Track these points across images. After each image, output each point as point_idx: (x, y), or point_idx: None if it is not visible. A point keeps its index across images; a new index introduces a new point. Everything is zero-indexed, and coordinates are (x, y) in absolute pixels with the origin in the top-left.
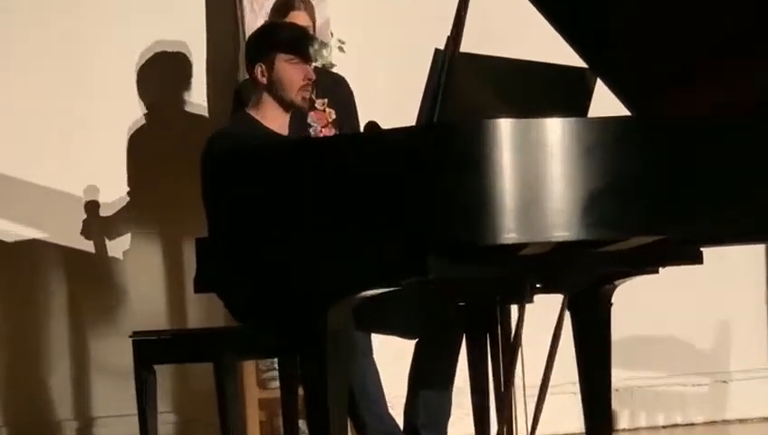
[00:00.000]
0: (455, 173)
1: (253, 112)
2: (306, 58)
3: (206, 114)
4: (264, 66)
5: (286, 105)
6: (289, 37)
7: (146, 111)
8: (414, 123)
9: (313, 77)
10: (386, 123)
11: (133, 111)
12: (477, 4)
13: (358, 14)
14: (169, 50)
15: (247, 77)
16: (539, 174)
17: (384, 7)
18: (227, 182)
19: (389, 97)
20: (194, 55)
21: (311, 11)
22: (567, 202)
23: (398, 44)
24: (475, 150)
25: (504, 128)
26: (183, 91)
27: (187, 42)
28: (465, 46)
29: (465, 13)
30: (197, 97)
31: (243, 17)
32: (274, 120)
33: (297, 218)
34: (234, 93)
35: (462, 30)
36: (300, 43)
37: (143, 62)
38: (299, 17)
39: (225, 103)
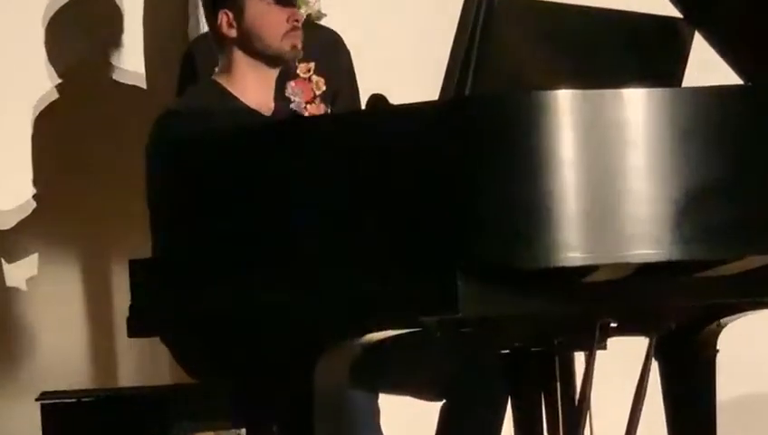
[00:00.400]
0: (495, 166)
1: (221, 80)
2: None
3: (144, 86)
4: (230, 13)
5: (269, 59)
6: None
7: (58, 82)
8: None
9: (301, 18)
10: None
11: (40, 82)
12: None
13: None
14: None
15: (204, 31)
16: (614, 168)
17: None
18: (184, 181)
19: (387, 70)
20: (126, 5)
21: None
22: (654, 207)
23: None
24: (524, 134)
25: (565, 102)
26: (111, 53)
27: None
28: None
29: None
30: (131, 63)
31: None
32: (254, 89)
33: (278, 231)
34: (183, 57)
35: None
36: None
37: (53, 12)
38: None
39: (171, 72)
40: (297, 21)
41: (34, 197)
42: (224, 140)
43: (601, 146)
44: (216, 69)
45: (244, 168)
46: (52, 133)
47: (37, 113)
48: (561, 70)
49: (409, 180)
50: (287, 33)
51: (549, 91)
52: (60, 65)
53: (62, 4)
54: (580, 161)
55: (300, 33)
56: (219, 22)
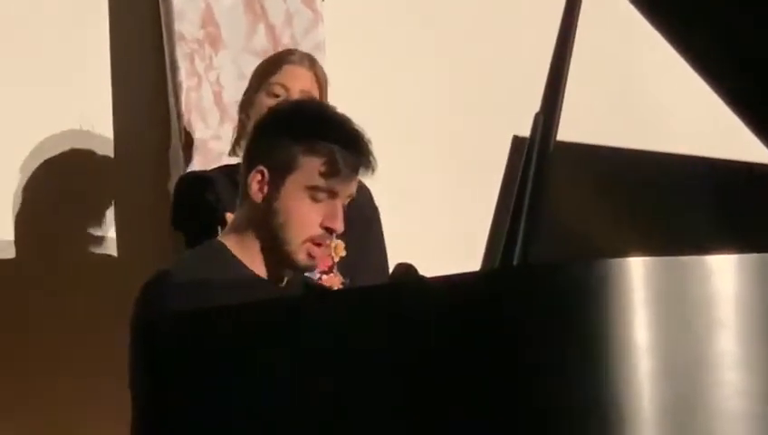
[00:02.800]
0: (552, 355)
1: (230, 243)
2: (340, 193)
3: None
4: (266, 175)
5: (279, 253)
6: (341, 143)
7: None
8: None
9: (341, 229)
10: None
11: None
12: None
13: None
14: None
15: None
16: (699, 355)
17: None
18: (184, 378)
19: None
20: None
21: (319, 73)
22: (749, 403)
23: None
24: (587, 314)
25: (637, 273)
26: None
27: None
28: None
29: (565, 73)
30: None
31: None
32: (263, 262)
33: None
34: (178, 184)
35: (561, 102)
36: (349, 161)
37: None
38: (298, 74)
39: None
40: (333, 229)
41: None
42: (232, 319)
43: (683, 327)
44: (229, 227)
45: (253, 358)
46: None
47: None
48: (629, 228)
49: (444, 374)
50: (313, 239)
51: (617, 260)
52: None
53: None
54: (658, 347)
55: (324, 252)
56: (251, 178)
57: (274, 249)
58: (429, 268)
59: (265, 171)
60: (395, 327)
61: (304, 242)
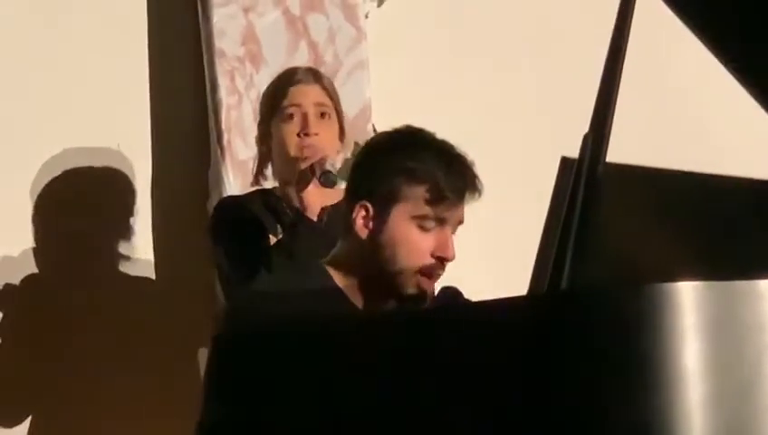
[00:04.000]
0: (599, 381)
1: (333, 270)
2: (449, 220)
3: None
4: (370, 211)
5: (384, 289)
6: (443, 169)
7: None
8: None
9: (453, 257)
10: None
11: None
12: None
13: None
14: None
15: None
16: (750, 380)
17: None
18: (270, 392)
19: None
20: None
21: (326, 83)
22: None
23: None
24: (636, 339)
25: (687, 298)
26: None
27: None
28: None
29: (615, 92)
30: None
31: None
32: (357, 294)
33: None
34: (217, 209)
35: (611, 122)
36: (454, 186)
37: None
38: (307, 91)
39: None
40: (445, 258)
41: None
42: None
43: (734, 352)
44: (334, 252)
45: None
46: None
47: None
48: (679, 252)
49: (496, 394)
50: (423, 270)
51: (667, 285)
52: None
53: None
54: (708, 372)
55: (440, 272)
56: (355, 214)
57: (382, 283)
58: (474, 292)
59: (369, 206)
60: (439, 353)
61: (415, 273)
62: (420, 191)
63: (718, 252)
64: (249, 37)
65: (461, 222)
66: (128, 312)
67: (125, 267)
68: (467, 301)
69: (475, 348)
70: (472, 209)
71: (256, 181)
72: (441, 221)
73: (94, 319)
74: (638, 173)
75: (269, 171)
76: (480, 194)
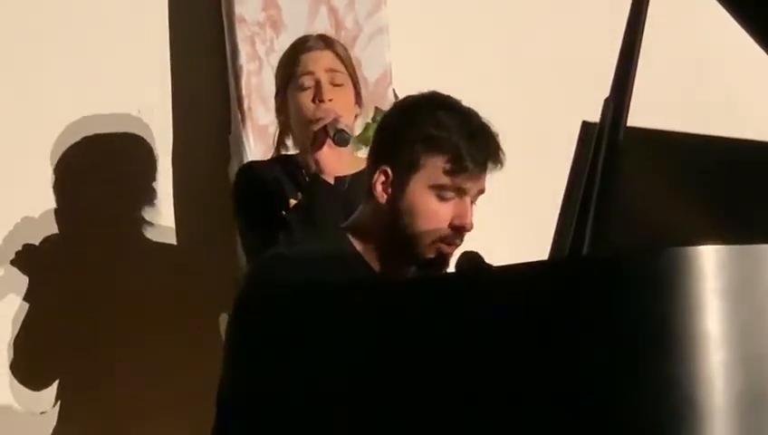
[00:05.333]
0: (622, 345)
1: (353, 234)
2: (468, 191)
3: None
4: (390, 175)
5: (404, 255)
6: (465, 138)
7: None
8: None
9: (471, 227)
10: None
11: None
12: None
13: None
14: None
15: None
16: None
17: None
18: (295, 351)
19: None
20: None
21: (338, 49)
22: None
23: None
24: (658, 304)
25: (709, 262)
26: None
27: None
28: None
29: (636, 57)
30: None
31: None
32: (375, 257)
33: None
34: (239, 175)
35: (632, 87)
36: (476, 157)
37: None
38: (318, 58)
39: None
40: (463, 227)
41: None
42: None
43: (755, 316)
44: (353, 218)
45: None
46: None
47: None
48: (701, 215)
49: (518, 357)
50: (443, 239)
51: (689, 248)
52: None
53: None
54: (730, 336)
55: (458, 240)
56: (375, 178)
57: (401, 248)
58: (496, 257)
59: (389, 171)
60: (460, 317)
61: (434, 241)
62: (440, 161)
63: (739, 216)
64: (270, 3)
65: (482, 192)
66: (149, 277)
67: (146, 233)
68: (489, 265)
69: (497, 312)
70: (492, 174)
71: (278, 153)
72: (461, 191)
73: (116, 285)
74: (659, 137)
75: (290, 142)
76: (502, 165)
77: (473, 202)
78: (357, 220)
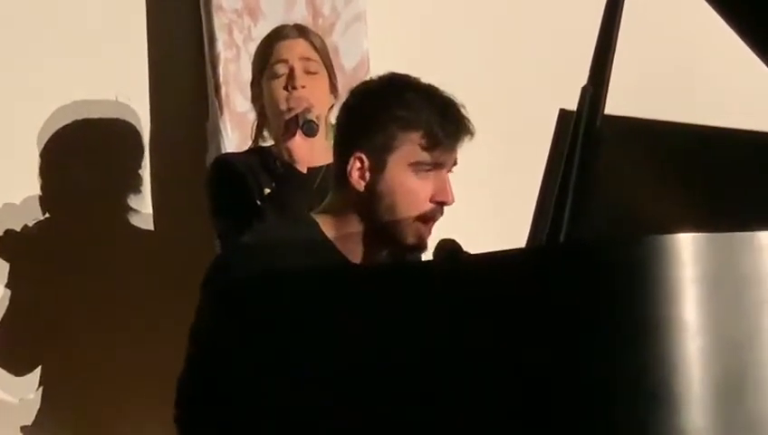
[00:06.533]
0: (599, 332)
1: (323, 222)
2: (445, 164)
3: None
4: (366, 162)
5: (383, 239)
6: (435, 113)
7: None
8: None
9: (452, 200)
10: None
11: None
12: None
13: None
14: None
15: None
16: (750, 336)
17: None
18: (256, 337)
19: None
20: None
21: (313, 38)
22: None
23: None
24: (635, 292)
25: (686, 249)
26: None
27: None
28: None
29: (614, 44)
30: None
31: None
32: (350, 243)
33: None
34: (214, 169)
35: (609, 74)
36: (448, 130)
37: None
38: (292, 46)
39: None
40: (443, 202)
41: None
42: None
43: (732, 304)
44: (324, 204)
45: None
46: None
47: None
48: (679, 203)
49: (493, 345)
50: (423, 217)
51: (666, 236)
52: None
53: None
54: (707, 324)
55: (436, 218)
56: (350, 166)
57: (381, 233)
58: (473, 245)
59: (364, 157)
60: (436, 305)
61: (416, 220)
62: (416, 138)
63: (717, 204)
64: None
65: (455, 163)
66: (128, 264)
67: (124, 219)
68: (466, 253)
69: (474, 300)
70: (471, 160)
71: (256, 143)
72: (438, 166)
73: (96, 271)
74: (637, 125)
75: (267, 132)
76: (473, 135)
77: (449, 172)
78: (328, 206)
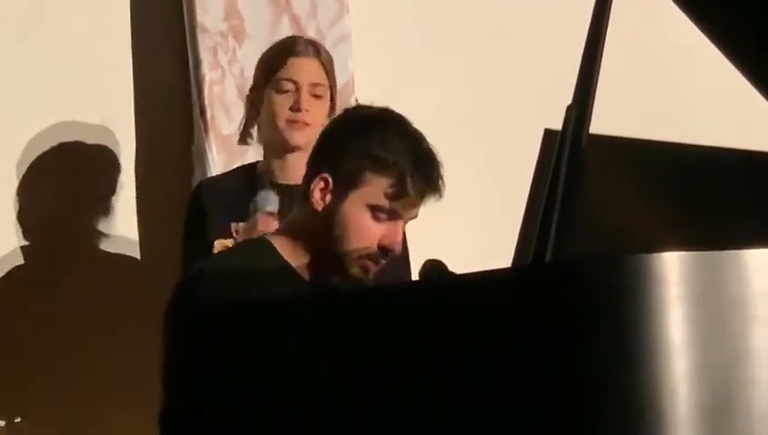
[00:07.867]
0: (584, 352)
1: (280, 243)
2: (404, 216)
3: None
4: (330, 184)
5: (329, 264)
6: (412, 165)
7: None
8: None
9: (398, 251)
10: None
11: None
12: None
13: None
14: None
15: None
16: (736, 355)
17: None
18: (218, 368)
19: None
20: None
21: (325, 59)
22: None
23: None
24: (620, 311)
25: (672, 268)
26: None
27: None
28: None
29: (598, 64)
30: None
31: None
32: (304, 263)
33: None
34: (192, 196)
35: (594, 94)
36: (418, 185)
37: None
38: (305, 67)
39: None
40: (390, 249)
41: None
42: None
43: (719, 324)
44: (283, 225)
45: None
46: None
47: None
48: (664, 222)
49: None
50: (369, 256)
51: (652, 255)
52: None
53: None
54: (693, 343)
55: (377, 268)
56: (314, 184)
57: (328, 258)
58: (459, 265)
59: (330, 180)
60: (423, 325)
61: (360, 257)
62: (383, 183)
63: (702, 223)
64: (232, 12)
65: (415, 217)
66: (111, 289)
67: (109, 244)
68: (452, 274)
69: (459, 320)
70: (456, 180)
71: (244, 140)
72: (396, 215)
73: (78, 297)
74: (622, 145)
75: (254, 131)
76: (441, 196)
77: (404, 225)
78: (289, 224)
